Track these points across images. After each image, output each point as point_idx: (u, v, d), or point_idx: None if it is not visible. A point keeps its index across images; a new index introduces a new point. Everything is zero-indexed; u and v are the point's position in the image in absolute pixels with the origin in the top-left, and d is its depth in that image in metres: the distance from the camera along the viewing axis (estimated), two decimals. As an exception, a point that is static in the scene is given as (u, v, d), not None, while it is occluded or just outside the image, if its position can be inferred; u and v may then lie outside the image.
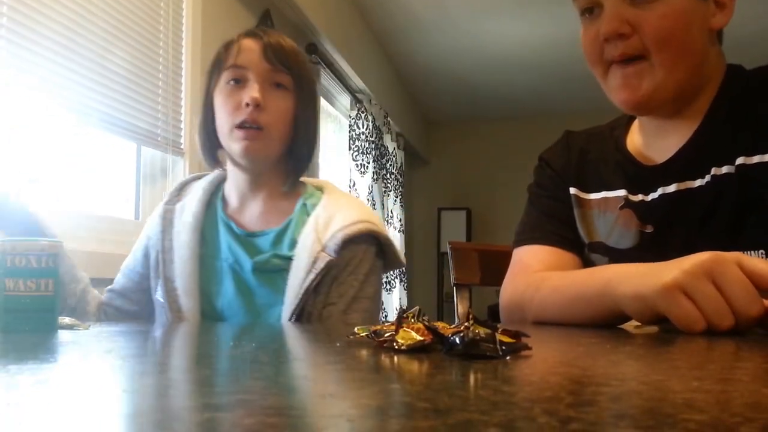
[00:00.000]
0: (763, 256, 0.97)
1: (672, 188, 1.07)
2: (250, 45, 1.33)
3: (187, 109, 2.58)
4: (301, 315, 1.28)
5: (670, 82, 1.02)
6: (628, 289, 0.85)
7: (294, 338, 0.80)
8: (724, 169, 1.02)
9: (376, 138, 5.37)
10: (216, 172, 1.47)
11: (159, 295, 1.38)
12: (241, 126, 1.30)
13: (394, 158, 6.03)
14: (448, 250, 1.74)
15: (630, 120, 1.23)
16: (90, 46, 2.09)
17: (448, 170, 7.93)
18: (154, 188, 2.50)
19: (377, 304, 1.40)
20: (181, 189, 1.49)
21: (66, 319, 0.88)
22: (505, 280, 1.24)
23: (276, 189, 1.42)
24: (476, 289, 1.71)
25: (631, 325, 0.92)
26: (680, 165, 1.08)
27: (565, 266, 1.17)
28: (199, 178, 1.51)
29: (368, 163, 5.02)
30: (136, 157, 2.49)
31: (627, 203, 1.13)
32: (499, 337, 0.55)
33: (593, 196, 1.20)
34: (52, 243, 0.88)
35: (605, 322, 0.93)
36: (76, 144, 2.13)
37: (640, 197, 1.11)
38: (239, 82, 1.32)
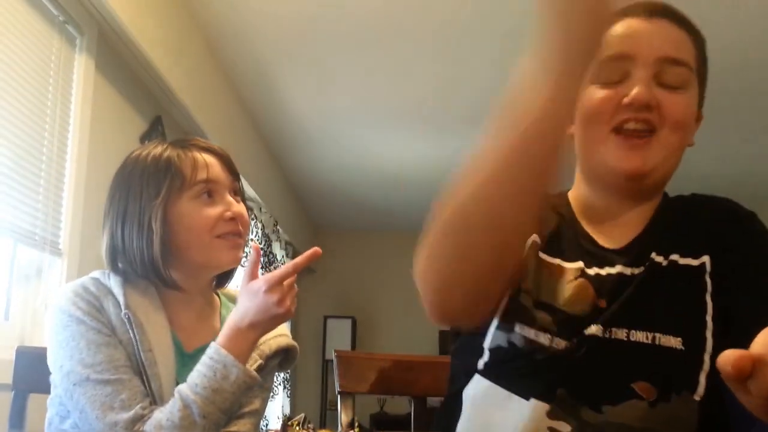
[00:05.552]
0: (680, 344, 1.02)
1: (620, 269, 1.09)
2: (212, 160, 1.37)
3: (69, 209, 2.51)
4: None
5: (669, 165, 1.07)
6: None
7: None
8: (661, 259, 1.08)
9: (264, 245, 5.36)
10: (144, 283, 1.34)
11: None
12: (223, 237, 1.34)
13: (282, 266, 6.02)
14: (334, 358, 1.74)
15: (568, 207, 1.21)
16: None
17: (335, 279, 7.96)
18: (27, 288, 2.39)
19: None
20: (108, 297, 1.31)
21: None
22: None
23: (206, 299, 1.45)
24: (360, 397, 1.70)
25: None
26: (633, 251, 1.11)
27: None
28: (101, 286, 1.30)
29: (255, 269, 5.00)
30: (11, 255, 2.39)
31: (583, 274, 1.11)
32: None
33: (549, 258, 1.14)
34: None
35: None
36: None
37: (595, 271, 1.11)
38: (210, 196, 1.35)
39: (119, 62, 3.02)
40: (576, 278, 1.10)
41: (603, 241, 1.14)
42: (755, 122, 4.98)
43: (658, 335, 1.03)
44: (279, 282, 1.24)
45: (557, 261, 1.13)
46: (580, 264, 1.11)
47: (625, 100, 1.03)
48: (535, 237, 1.13)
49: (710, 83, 1.14)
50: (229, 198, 1.37)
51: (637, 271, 1.09)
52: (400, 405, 7.00)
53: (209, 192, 1.35)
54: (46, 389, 1.34)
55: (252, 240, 5.00)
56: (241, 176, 1.44)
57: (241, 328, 1.24)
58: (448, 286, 0.94)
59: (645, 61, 1.05)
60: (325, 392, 7.57)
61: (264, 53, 4.08)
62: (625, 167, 1.05)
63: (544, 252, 1.13)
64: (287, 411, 6.06)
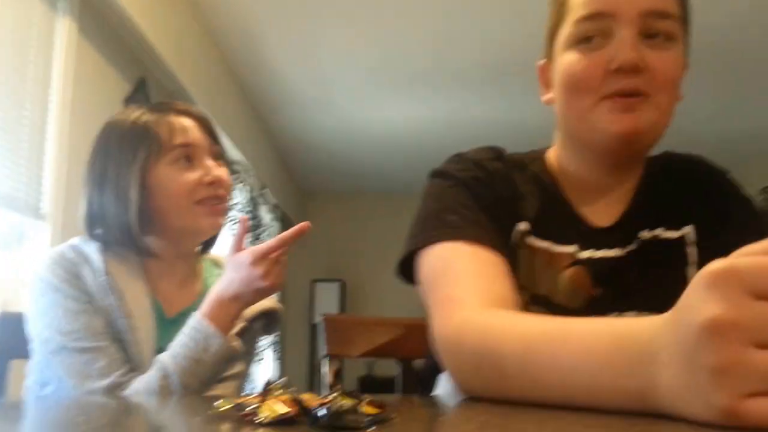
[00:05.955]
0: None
1: (612, 252, 1.08)
2: (189, 123, 1.34)
3: (51, 172, 2.48)
4: None
5: (661, 125, 1.01)
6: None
7: (152, 413, 0.76)
8: (647, 235, 1.08)
9: (252, 209, 5.34)
10: (124, 249, 1.33)
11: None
12: (203, 202, 1.32)
13: (270, 229, 6.00)
14: (320, 322, 1.73)
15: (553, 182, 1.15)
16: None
17: (323, 242, 7.96)
18: (10, 253, 2.37)
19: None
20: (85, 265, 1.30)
21: None
22: (434, 313, 0.95)
23: (190, 263, 1.43)
24: (347, 360, 1.70)
25: None
26: (622, 228, 1.09)
27: (501, 275, 0.98)
28: (80, 253, 1.29)
29: (243, 233, 5.00)
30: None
31: (577, 260, 1.08)
32: (363, 408, 0.55)
33: (540, 243, 1.09)
34: None
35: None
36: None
37: (589, 254, 1.08)
38: (189, 160, 1.32)
39: (102, 25, 2.96)
40: (570, 265, 1.07)
41: (592, 217, 1.10)
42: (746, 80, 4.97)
43: (643, 314, 1.02)
44: (265, 255, 1.22)
45: (549, 245, 1.08)
46: (573, 248, 1.08)
47: (613, 65, 0.96)
48: (524, 225, 1.08)
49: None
50: (209, 162, 1.34)
51: (627, 251, 1.08)
52: (389, 367, 7.07)
53: (188, 156, 1.33)
54: (27, 355, 1.33)
55: (239, 205, 4.98)
56: (227, 139, 1.41)
57: (224, 299, 1.23)
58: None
59: (627, 18, 0.97)
60: (314, 356, 7.63)
61: (250, 13, 4.01)
62: (618, 129, 0.98)
63: (534, 235, 1.09)
64: (276, 375, 6.09)
